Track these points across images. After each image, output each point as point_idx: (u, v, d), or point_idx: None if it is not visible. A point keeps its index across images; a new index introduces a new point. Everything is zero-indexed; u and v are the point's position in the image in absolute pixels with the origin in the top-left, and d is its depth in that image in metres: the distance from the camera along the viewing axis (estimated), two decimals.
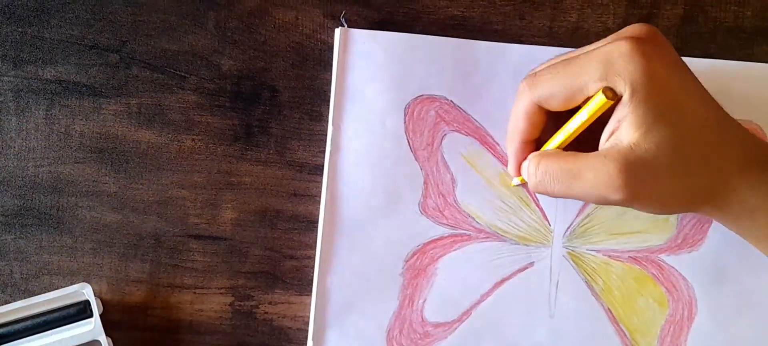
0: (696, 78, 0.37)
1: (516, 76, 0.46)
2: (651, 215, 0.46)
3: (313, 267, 0.46)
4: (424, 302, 0.46)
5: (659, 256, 0.46)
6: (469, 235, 0.46)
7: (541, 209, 0.46)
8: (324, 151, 0.46)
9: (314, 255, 0.46)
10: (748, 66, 0.46)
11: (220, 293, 0.46)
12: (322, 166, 0.46)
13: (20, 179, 0.45)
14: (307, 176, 0.46)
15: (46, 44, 0.45)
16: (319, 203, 0.46)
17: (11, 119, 0.45)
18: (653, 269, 0.46)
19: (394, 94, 0.46)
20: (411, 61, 0.46)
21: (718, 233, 0.46)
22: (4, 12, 0.45)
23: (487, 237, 0.46)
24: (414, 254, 0.46)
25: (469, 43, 0.46)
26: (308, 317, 0.46)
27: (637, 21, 0.47)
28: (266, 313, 0.46)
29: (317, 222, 0.46)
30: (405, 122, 0.46)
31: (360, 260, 0.46)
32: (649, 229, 0.46)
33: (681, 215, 0.46)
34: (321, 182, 0.46)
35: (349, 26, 0.46)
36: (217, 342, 0.46)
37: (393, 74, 0.46)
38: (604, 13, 0.47)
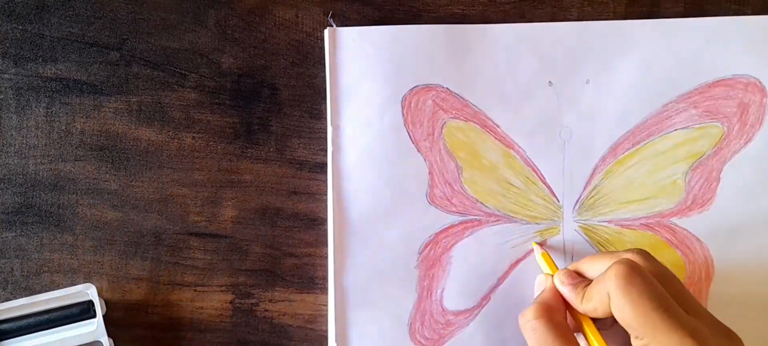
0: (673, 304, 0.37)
1: (508, 55, 0.46)
2: (658, 179, 0.46)
3: (313, 265, 0.46)
4: (442, 291, 0.46)
5: (671, 220, 0.46)
6: (480, 220, 0.46)
7: (549, 186, 0.46)
8: (324, 149, 0.46)
9: (314, 253, 0.46)
10: (744, 20, 0.46)
11: (221, 291, 0.46)
12: (323, 163, 0.46)
13: (21, 176, 0.45)
14: (307, 174, 0.46)
15: (46, 42, 0.45)
16: (319, 200, 0.46)
17: (12, 117, 0.45)
18: (666, 234, 0.46)
19: (390, 88, 0.46)
20: (403, 53, 0.46)
21: (727, 190, 0.46)
22: (4, 10, 0.45)
23: (498, 220, 0.46)
24: (427, 245, 0.46)
25: (457, 28, 0.46)
26: (308, 315, 0.46)
27: (637, 18, 0.47)
28: (266, 311, 0.46)
29: (317, 220, 0.46)
30: (403, 115, 0.46)
31: (373, 257, 0.45)
32: (657, 194, 0.46)
33: (689, 176, 0.46)
34: (321, 180, 0.46)
35: (345, 24, 0.46)
36: (218, 340, 0.46)
37: (386, 68, 0.46)
38: (604, 11, 0.47)
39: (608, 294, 0.36)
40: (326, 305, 0.46)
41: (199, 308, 0.46)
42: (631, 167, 0.46)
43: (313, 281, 0.46)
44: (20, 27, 0.45)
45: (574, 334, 0.39)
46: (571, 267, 0.42)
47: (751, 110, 0.46)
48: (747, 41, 0.46)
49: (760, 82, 0.46)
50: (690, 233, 0.46)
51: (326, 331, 0.46)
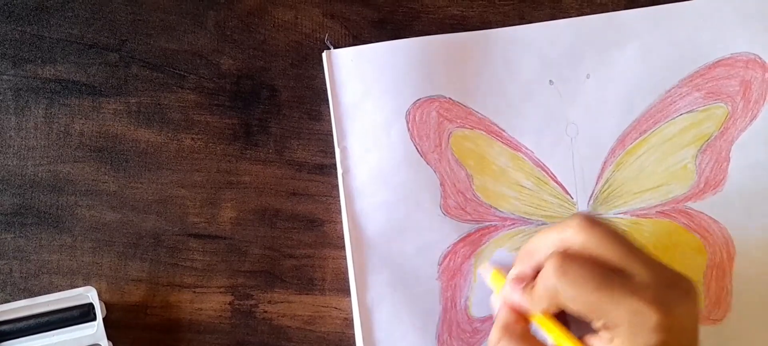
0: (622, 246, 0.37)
1: (507, 60, 0.46)
2: (669, 166, 0.46)
3: (312, 266, 0.46)
4: (466, 300, 0.46)
5: (686, 204, 0.46)
6: (496, 225, 0.46)
7: (561, 185, 0.46)
8: (323, 150, 0.46)
9: (314, 254, 0.46)
10: None
11: (220, 292, 0.46)
12: (322, 165, 0.46)
13: (20, 177, 0.45)
14: (306, 176, 0.46)
15: (45, 43, 0.45)
16: (318, 202, 0.46)
17: (11, 118, 0.45)
18: (683, 219, 0.46)
19: (393, 104, 0.46)
20: (402, 68, 0.46)
21: (738, 169, 0.46)
22: (3, 11, 0.45)
23: (514, 224, 0.46)
24: (446, 256, 0.46)
25: (454, 37, 0.46)
26: (307, 316, 0.46)
27: None
28: (266, 312, 0.46)
29: (316, 221, 0.46)
30: (409, 129, 0.46)
31: (394, 274, 0.45)
32: (669, 180, 0.46)
33: (699, 159, 0.46)
34: (320, 181, 0.46)
35: (345, 26, 0.46)
36: (217, 341, 0.46)
37: (387, 85, 0.46)
38: (603, 12, 0.47)
39: (556, 289, 0.37)
40: (326, 307, 0.46)
41: (198, 309, 0.46)
42: (641, 157, 0.46)
43: (312, 282, 0.46)
44: (19, 28, 0.45)
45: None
46: (517, 264, 0.41)
47: (754, 87, 0.46)
48: (743, 19, 0.46)
49: (759, 58, 0.46)
50: (706, 215, 0.46)
51: (325, 332, 0.46)
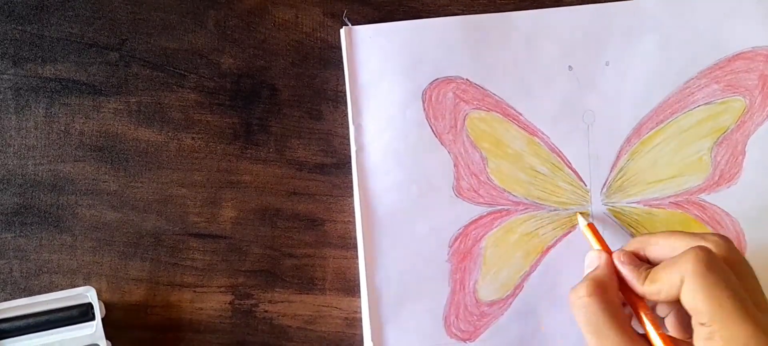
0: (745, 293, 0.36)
1: (527, 43, 0.46)
2: (684, 157, 0.46)
3: (312, 266, 0.46)
4: (475, 283, 0.46)
5: (699, 196, 0.46)
6: (508, 209, 0.46)
7: (575, 171, 0.46)
8: (324, 150, 0.46)
9: (314, 253, 0.46)
10: None
11: (220, 292, 0.46)
12: (322, 164, 0.46)
13: (20, 177, 0.45)
14: (307, 175, 0.46)
15: (45, 42, 0.45)
16: (319, 201, 0.46)
17: (11, 118, 0.45)
18: (696, 211, 0.46)
19: (410, 83, 0.45)
20: (420, 47, 0.45)
21: (753, 163, 0.46)
22: (3, 10, 0.45)
23: (526, 208, 0.46)
24: (456, 238, 0.46)
25: (475, 18, 0.46)
26: (308, 315, 0.46)
27: None
28: (266, 311, 0.46)
29: (317, 220, 0.46)
30: (424, 109, 0.46)
31: (404, 253, 0.45)
32: (684, 171, 0.46)
33: (715, 151, 0.46)
34: (321, 181, 0.46)
35: (346, 26, 0.46)
36: (217, 341, 0.46)
37: (405, 63, 0.45)
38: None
39: (681, 278, 0.36)
40: (326, 306, 0.46)
41: (199, 309, 0.46)
42: (656, 146, 0.46)
43: (312, 281, 0.46)
44: (19, 27, 0.45)
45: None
46: (631, 244, 0.41)
47: None
48: (765, 13, 0.46)
49: None
50: (719, 208, 0.46)
51: (326, 332, 0.46)
